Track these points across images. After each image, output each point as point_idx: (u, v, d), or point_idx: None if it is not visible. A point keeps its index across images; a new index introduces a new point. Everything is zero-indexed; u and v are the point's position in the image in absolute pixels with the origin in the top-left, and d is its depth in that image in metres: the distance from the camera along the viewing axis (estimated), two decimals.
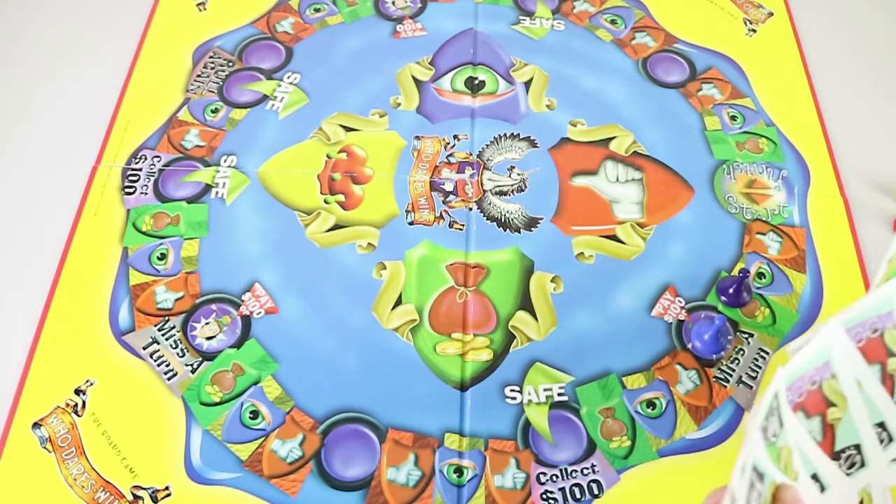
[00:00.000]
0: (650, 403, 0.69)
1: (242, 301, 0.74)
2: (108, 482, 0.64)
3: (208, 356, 0.71)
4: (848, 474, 0.34)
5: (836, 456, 0.34)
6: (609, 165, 0.84)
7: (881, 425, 0.34)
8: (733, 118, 0.89)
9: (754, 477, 0.32)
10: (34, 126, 0.86)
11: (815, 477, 0.33)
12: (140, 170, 0.82)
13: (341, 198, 0.81)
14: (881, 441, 0.34)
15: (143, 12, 0.97)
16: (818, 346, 0.33)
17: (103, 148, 0.84)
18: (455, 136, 0.86)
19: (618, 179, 0.83)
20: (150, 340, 0.71)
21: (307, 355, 0.71)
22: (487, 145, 0.85)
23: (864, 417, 0.34)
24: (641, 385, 0.70)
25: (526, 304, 0.75)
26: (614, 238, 0.79)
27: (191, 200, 0.80)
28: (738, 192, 0.83)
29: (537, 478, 0.65)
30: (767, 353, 0.72)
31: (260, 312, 0.73)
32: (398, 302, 0.74)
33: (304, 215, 0.80)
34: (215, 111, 0.87)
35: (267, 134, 0.86)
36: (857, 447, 0.34)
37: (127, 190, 0.81)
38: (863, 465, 0.34)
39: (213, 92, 0.89)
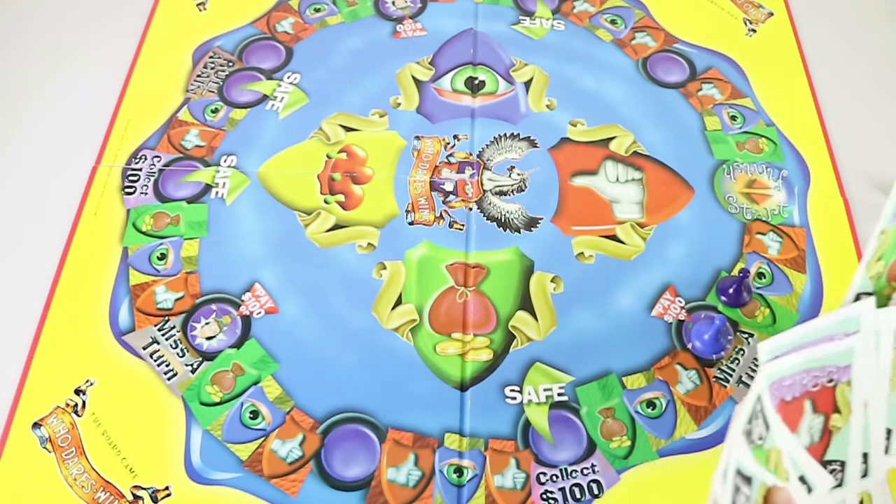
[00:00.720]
0: (650, 403, 0.69)
1: (242, 301, 0.74)
2: (108, 482, 0.64)
3: (208, 356, 0.71)
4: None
5: (823, 464, 0.34)
6: (609, 165, 0.84)
7: (864, 456, 0.34)
8: (733, 118, 0.89)
9: (739, 481, 0.32)
10: (34, 126, 0.86)
11: (802, 479, 0.33)
12: (140, 170, 0.82)
13: (341, 198, 0.81)
14: (861, 471, 0.34)
15: (143, 12, 0.97)
16: (844, 345, 0.33)
17: (103, 148, 0.84)
18: (455, 136, 0.86)
19: (618, 179, 0.83)
20: (150, 340, 0.71)
21: (307, 355, 0.71)
22: (487, 145, 0.85)
23: (857, 439, 0.33)
24: (641, 385, 0.70)
25: (526, 304, 0.75)
26: (614, 238, 0.79)
27: (191, 200, 0.80)
28: (738, 192, 0.83)
29: (537, 478, 0.65)
30: None
31: (260, 312, 0.73)
32: (398, 302, 0.74)
33: (304, 215, 0.80)
34: (215, 111, 0.87)
35: (267, 134, 0.86)
36: (843, 465, 0.34)
37: (127, 190, 0.81)
38: (841, 484, 0.34)
39: (213, 92, 0.89)
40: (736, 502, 0.32)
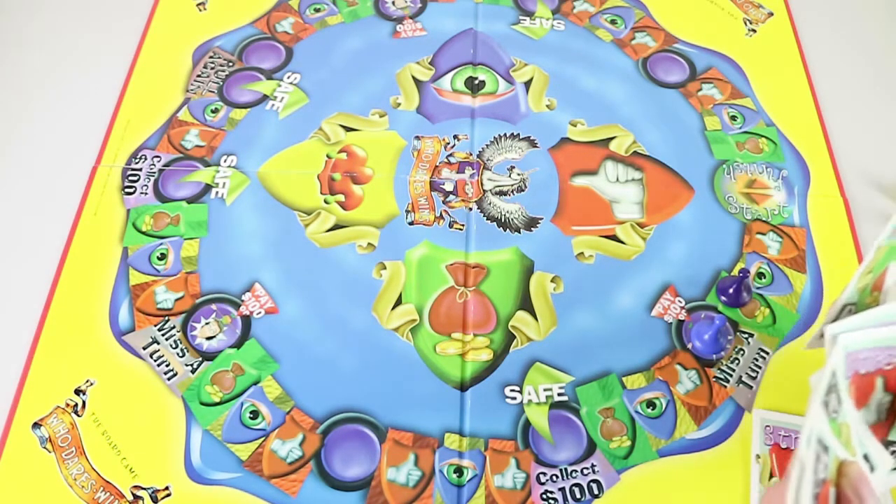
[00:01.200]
0: (650, 403, 0.69)
1: (242, 301, 0.74)
2: (108, 482, 0.64)
3: (208, 356, 0.71)
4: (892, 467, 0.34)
5: (886, 444, 0.34)
6: (609, 165, 0.84)
7: None
8: (733, 118, 0.89)
9: (820, 449, 0.33)
10: (34, 126, 0.86)
11: (865, 457, 0.34)
12: (140, 170, 0.82)
13: (341, 198, 0.81)
14: None
15: (143, 12, 0.97)
16: None
17: (103, 148, 0.84)
18: (455, 136, 0.86)
19: (618, 179, 0.83)
20: (150, 340, 0.71)
21: (307, 355, 0.71)
22: (487, 145, 0.85)
23: None
24: (641, 385, 0.70)
25: (526, 304, 0.75)
26: (614, 238, 0.79)
27: (191, 200, 0.80)
28: (738, 192, 0.83)
29: (537, 478, 0.65)
30: (767, 353, 0.72)
31: (260, 312, 0.73)
32: (398, 302, 0.74)
33: (304, 215, 0.80)
34: (215, 111, 0.87)
35: (267, 134, 0.86)
36: None
37: (127, 190, 0.81)
38: None
39: (213, 92, 0.89)
40: (817, 470, 0.32)
